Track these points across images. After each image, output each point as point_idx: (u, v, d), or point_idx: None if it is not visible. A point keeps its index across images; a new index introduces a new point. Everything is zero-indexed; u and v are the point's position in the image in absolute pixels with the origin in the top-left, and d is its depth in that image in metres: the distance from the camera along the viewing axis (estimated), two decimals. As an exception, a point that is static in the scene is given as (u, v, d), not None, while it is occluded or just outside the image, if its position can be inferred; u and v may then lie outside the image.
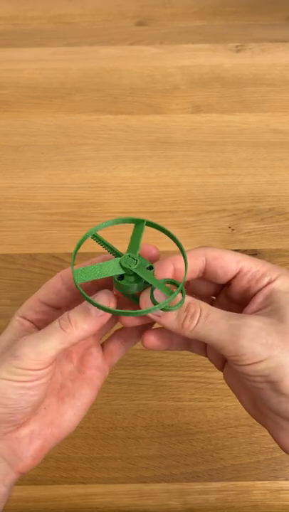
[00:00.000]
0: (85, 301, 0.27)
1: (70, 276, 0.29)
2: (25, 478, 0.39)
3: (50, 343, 0.26)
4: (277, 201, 0.54)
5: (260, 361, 0.24)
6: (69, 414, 0.29)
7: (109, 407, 0.42)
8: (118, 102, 0.64)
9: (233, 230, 0.52)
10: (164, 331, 0.30)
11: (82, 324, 0.26)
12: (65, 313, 0.27)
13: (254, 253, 0.50)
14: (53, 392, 0.30)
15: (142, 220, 0.29)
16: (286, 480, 0.39)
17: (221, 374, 0.43)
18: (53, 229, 0.52)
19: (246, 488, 0.39)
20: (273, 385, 0.25)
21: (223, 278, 0.28)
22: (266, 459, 0.40)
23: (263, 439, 0.40)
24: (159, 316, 0.27)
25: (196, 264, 0.29)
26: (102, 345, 0.32)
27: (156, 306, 0.26)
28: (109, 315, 0.27)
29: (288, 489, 0.39)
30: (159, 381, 0.43)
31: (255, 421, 0.41)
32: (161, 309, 0.26)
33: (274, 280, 0.27)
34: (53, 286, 0.30)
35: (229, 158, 0.58)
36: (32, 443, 0.28)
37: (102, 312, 0.26)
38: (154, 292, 0.27)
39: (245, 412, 0.41)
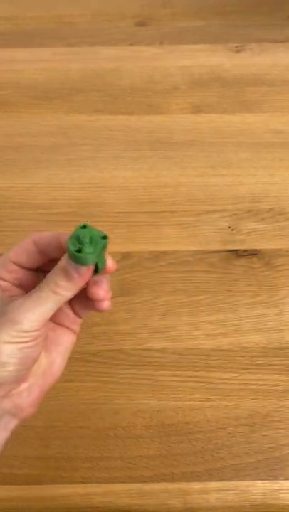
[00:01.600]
0: (63, 264, 0.29)
1: (44, 242, 0.32)
2: (25, 478, 0.39)
3: (47, 306, 0.29)
4: (277, 201, 0.54)
5: None
6: (58, 360, 0.33)
7: (109, 406, 0.42)
8: (118, 103, 0.64)
9: (233, 230, 0.52)
10: None
11: (70, 286, 0.29)
12: (50, 278, 0.29)
13: (254, 253, 0.50)
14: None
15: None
16: (286, 479, 0.39)
17: (221, 374, 0.43)
18: (53, 229, 0.52)
19: (246, 487, 0.39)
20: None
21: None
22: (266, 458, 0.40)
23: (262, 438, 0.40)
24: None
25: None
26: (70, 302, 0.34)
27: None
28: (88, 275, 0.30)
29: (288, 489, 0.39)
30: (158, 381, 0.43)
31: (255, 420, 0.41)
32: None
33: None
34: (25, 249, 0.32)
35: (229, 159, 0.58)
36: (31, 394, 0.31)
37: (82, 272, 0.29)
38: None
39: (246, 412, 0.41)
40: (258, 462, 0.40)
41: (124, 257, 0.50)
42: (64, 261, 0.29)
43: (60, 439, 0.41)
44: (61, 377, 0.43)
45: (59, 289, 0.29)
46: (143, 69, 0.68)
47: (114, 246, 0.51)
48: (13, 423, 0.31)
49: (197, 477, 0.39)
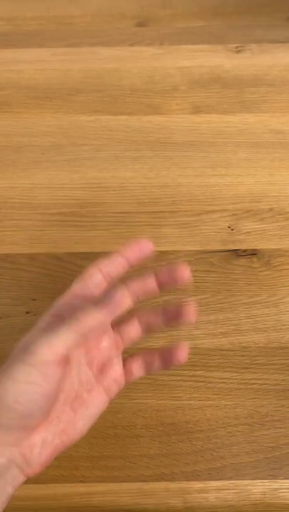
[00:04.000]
0: None
1: (110, 265, 0.31)
2: (25, 477, 0.39)
3: (64, 334, 0.26)
4: (277, 201, 0.54)
5: None
6: (80, 423, 0.30)
7: (110, 405, 0.42)
8: (118, 103, 0.64)
9: (232, 230, 0.52)
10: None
11: (94, 312, 0.27)
12: (81, 305, 0.28)
13: (254, 253, 0.50)
14: (67, 401, 0.30)
15: None
16: (285, 479, 0.39)
17: (220, 373, 0.43)
18: (53, 229, 0.52)
19: (246, 486, 0.39)
20: None
21: None
22: (266, 457, 0.40)
23: (262, 437, 0.41)
24: None
25: None
26: (124, 360, 0.33)
27: None
28: (123, 308, 0.27)
29: (287, 488, 0.39)
30: (158, 380, 0.43)
31: (254, 420, 0.41)
32: None
33: None
34: (92, 276, 0.31)
35: (229, 159, 0.58)
36: (43, 451, 0.29)
37: (115, 301, 0.27)
38: None
39: (245, 411, 0.42)
40: (258, 461, 0.40)
41: (124, 256, 0.50)
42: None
43: (60, 439, 0.41)
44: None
45: (81, 315, 0.27)
46: (143, 69, 0.69)
47: (114, 246, 0.51)
48: (19, 479, 0.29)
49: (197, 476, 0.39)
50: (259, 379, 0.43)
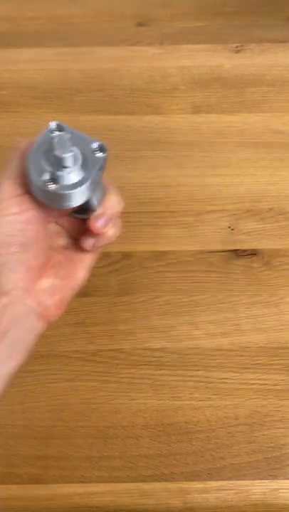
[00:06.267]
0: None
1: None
2: (25, 477, 0.39)
3: (12, 164, 0.33)
4: (277, 201, 0.54)
5: None
6: (78, 268, 0.35)
7: (109, 406, 0.42)
8: (118, 103, 0.64)
9: (232, 229, 0.52)
10: None
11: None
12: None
13: (254, 253, 0.50)
14: (59, 250, 0.35)
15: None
16: (285, 479, 0.39)
17: (220, 373, 0.43)
18: (53, 229, 0.52)
19: (246, 487, 0.39)
20: None
21: None
22: (266, 458, 0.40)
23: (262, 438, 0.41)
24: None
25: None
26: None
27: None
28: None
29: (287, 488, 0.39)
30: (158, 380, 0.43)
31: (254, 420, 0.41)
32: None
33: None
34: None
35: (229, 159, 0.58)
36: (54, 294, 0.33)
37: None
38: None
39: (245, 411, 0.42)
40: (258, 462, 0.40)
41: (124, 257, 0.50)
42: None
43: (61, 439, 0.41)
44: (61, 376, 0.43)
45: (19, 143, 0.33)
46: (143, 69, 0.68)
47: (114, 246, 0.51)
48: (39, 326, 0.32)
49: (197, 476, 0.39)
50: (259, 379, 0.43)
